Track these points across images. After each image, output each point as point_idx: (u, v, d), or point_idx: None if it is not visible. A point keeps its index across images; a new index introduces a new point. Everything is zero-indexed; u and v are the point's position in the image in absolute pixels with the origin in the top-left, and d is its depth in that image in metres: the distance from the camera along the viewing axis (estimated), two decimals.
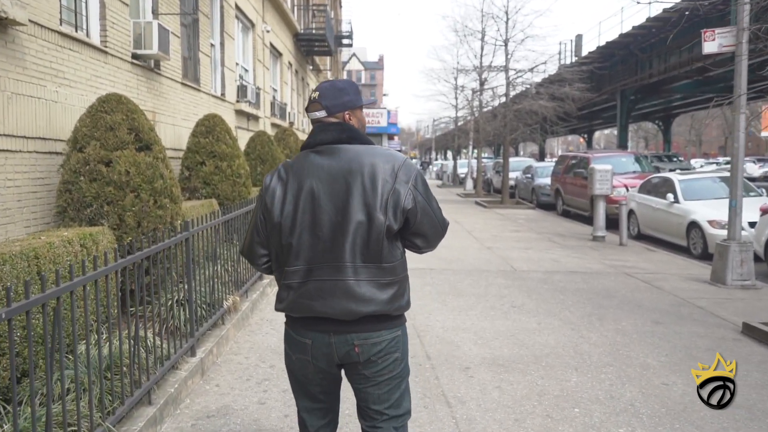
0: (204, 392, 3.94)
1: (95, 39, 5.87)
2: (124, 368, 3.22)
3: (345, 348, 2.00)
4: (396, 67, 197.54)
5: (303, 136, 18.43)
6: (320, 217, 1.96)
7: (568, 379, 4.22)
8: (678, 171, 15.60)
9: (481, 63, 22.16)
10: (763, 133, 46.10)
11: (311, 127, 2.13)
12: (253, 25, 13.36)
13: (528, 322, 5.66)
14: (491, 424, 3.51)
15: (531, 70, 19.94)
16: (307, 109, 2.13)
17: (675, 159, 27.06)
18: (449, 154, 57.66)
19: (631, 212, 12.05)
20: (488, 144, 36.19)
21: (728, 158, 34.48)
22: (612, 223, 11.94)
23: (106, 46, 5.95)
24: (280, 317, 2.87)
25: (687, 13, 19.21)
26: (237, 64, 12.17)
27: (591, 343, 5.07)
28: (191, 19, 9.11)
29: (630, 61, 24.94)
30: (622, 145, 27.53)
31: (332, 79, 2.35)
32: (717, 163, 37.93)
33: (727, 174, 12.04)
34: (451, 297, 6.66)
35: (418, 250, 2.14)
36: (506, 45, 19.63)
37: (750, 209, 8.77)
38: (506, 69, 19.82)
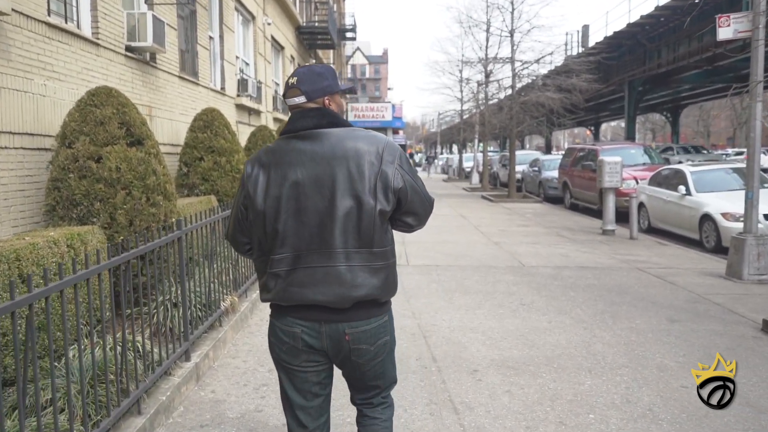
0: (198, 399, 3.75)
1: (86, 31, 5.67)
2: (112, 376, 3.04)
3: (335, 336, 1.99)
4: (400, 61, 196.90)
5: None
6: (305, 203, 1.94)
7: (581, 382, 4.01)
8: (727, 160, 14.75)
9: (486, 55, 21.85)
10: None
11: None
12: (253, 17, 13.13)
13: (538, 321, 5.44)
14: None
15: (537, 61, 19.63)
16: (285, 95, 2.08)
17: (704, 150, 26.46)
18: (455, 148, 57.32)
19: (641, 205, 11.78)
20: (494, 137, 35.88)
21: (737, 149, 34.00)
22: (621, 217, 11.69)
23: (97, 38, 5.75)
24: None
25: (698, 0, 18.87)
26: (237, 57, 11.95)
27: (604, 342, 4.85)
28: (188, 10, 8.89)
29: (638, 51, 24.55)
30: (630, 137, 27.16)
31: (308, 64, 2.31)
32: (726, 155, 37.44)
33: (740, 165, 11.81)
34: (458, 294, 6.45)
35: (410, 228, 2.13)
36: (512, 36, 19.32)
37: (765, 201, 8.49)
38: (512, 60, 19.51)
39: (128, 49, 6.46)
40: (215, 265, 5.22)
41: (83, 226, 4.00)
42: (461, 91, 27.99)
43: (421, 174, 35.69)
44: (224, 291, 5.02)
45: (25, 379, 2.29)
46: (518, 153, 22.69)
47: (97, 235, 4.05)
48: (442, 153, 64.92)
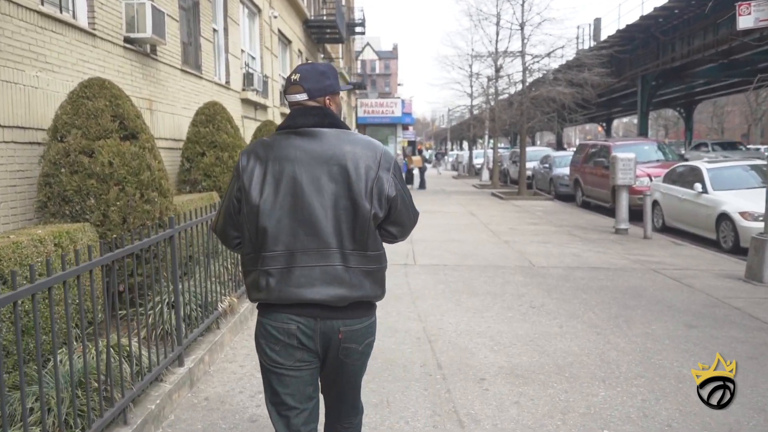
0: (191, 407, 3.56)
1: (82, 21, 5.49)
2: (97, 384, 2.86)
3: (329, 333, 1.99)
4: (411, 56, 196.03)
5: None
6: (302, 201, 1.93)
7: (595, 394, 3.79)
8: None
9: (496, 49, 21.51)
10: None
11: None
12: (259, 10, 12.92)
13: (549, 325, 5.22)
14: None
15: (548, 54, 19.26)
16: (286, 91, 2.07)
17: (741, 147, 25.76)
18: (465, 144, 56.94)
19: (655, 203, 11.49)
20: (504, 133, 35.49)
21: (757, 146, 33.26)
22: (634, 215, 11.40)
23: (94, 29, 5.56)
24: None
25: None
26: (243, 51, 11.75)
27: (619, 349, 4.61)
28: (191, 1, 8.70)
29: (651, 44, 24.09)
30: (643, 132, 26.71)
31: (311, 62, 2.36)
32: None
33: (759, 162, 11.46)
34: (466, 296, 6.23)
35: (392, 239, 2.12)
36: (522, 29, 18.99)
37: None
38: (522, 54, 19.18)
39: (127, 40, 6.27)
40: (215, 264, 5.05)
41: (73, 224, 3.83)
42: (471, 86, 27.66)
43: (431, 171, 35.40)
44: (223, 291, 4.84)
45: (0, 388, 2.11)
46: (529, 149, 22.36)
47: (89, 233, 3.87)
48: (452, 149, 64.49)
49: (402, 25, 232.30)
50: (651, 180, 12.96)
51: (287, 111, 2.10)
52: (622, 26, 23.86)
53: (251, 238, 1.98)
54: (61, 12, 5.14)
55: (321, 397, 2.22)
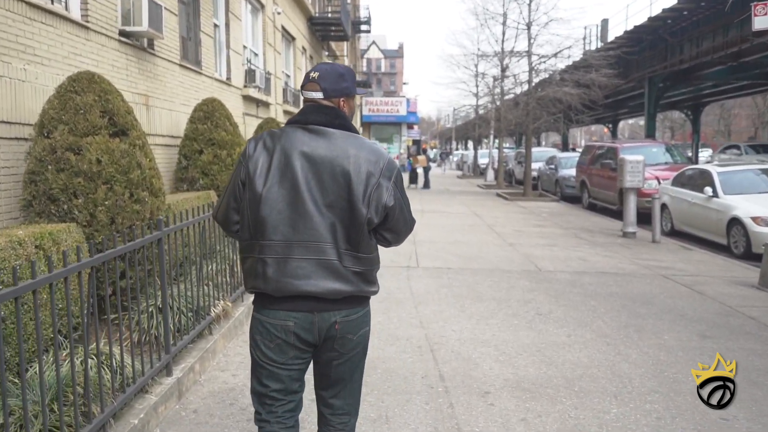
0: (178, 420, 3.36)
1: (75, 13, 5.29)
2: (74, 397, 2.66)
3: (326, 325, 2.03)
4: (416, 55, 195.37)
5: None
6: (304, 195, 1.96)
7: (606, 410, 3.57)
8: None
9: (502, 48, 21.27)
10: None
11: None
12: (262, 6, 12.72)
13: (556, 334, 5.00)
14: None
15: (555, 54, 19.02)
16: (303, 87, 2.11)
17: None
18: (470, 144, 56.67)
19: (663, 207, 11.25)
20: (510, 134, 35.20)
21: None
22: (642, 218, 11.17)
23: (87, 21, 5.37)
24: None
25: None
26: (245, 47, 11.56)
27: (630, 361, 4.39)
28: None
29: (659, 46, 23.76)
30: (650, 134, 26.39)
31: (332, 62, 2.17)
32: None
33: None
34: (470, 302, 6.01)
35: (387, 244, 2.19)
36: (529, 28, 18.76)
37: None
38: (529, 54, 18.94)
39: (122, 33, 6.07)
40: (210, 266, 4.85)
41: (57, 225, 3.63)
42: (476, 86, 27.42)
43: (436, 170, 35.17)
44: (217, 295, 4.64)
45: None
46: (534, 150, 22.09)
47: (74, 234, 3.67)
48: (457, 149, 64.19)
49: (408, 24, 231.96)
50: (659, 183, 12.71)
51: (290, 109, 2.08)
52: (630, 27, 23.56)
53: (250, 225, 2.02)
54: (52, 3, 4.94)
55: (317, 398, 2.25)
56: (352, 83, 2.14)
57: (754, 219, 8.87)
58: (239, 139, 7.35)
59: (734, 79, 25.49)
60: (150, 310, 3.76)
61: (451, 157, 52.42)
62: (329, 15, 20.58)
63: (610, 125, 47.27)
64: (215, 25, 9.75)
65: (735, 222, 9.27)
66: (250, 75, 11.27)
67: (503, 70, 21.38)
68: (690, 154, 27.58)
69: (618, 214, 13.17)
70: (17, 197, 4.33)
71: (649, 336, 4.99)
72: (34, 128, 4.13)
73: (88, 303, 2.71)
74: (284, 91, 14.97)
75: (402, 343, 4.71)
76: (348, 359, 2.13)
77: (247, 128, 11.15)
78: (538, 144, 42.73)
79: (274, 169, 1.98)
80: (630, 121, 66.34)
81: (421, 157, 23.96)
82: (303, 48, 18.19)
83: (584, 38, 25.42)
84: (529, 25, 18.69)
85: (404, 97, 42.11)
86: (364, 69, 47.98)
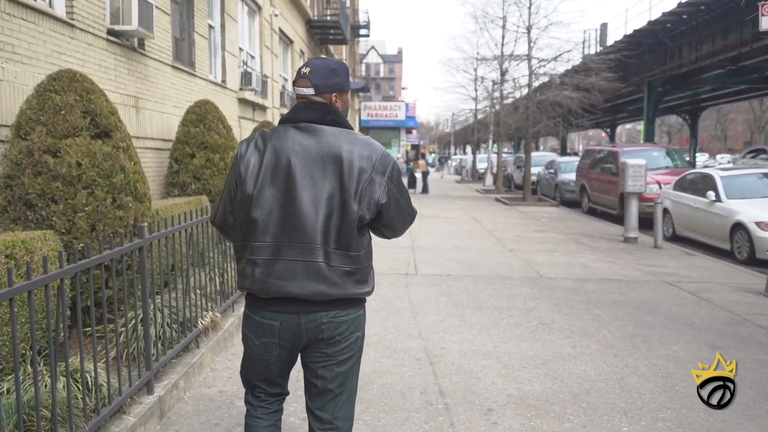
0: None
1: (59, 10, 5.09)
2: (39, 421, 2.44)
3: (313, 326, 2.00)
4: (415, 59, 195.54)
5: None
6: (294, 195, 1.94)
7: (617, 429, 3.36)
8: None
9: (502, 52, 21.11)
10: None
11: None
12: (259, 7, 12.53)
13: (561, 345, 4.79)
14: None
15: (555, 58, 18.86)
16: (295, 83, 2.08)
17: None
18: (468, 148, 56.53)
19: (665, 211, 11.06)
20: (509, 138, 35.06)
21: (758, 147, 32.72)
22: (643, 223, 10.98)
23: (72, 19, 5.16)
24: None
25: None
26: (241, 49, 11.36)
27: (639, 374, 4.18)
28: None
29: (658, 50, 23.65)
30: (649, 139, 26.26)
31: (324, 57, 2.24)
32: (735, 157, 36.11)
33: None
34: (470, 311, 5.80)
35: (385, 237, 2.19)
36: (529, 32, 18.60)
37: None
38: (529, 58, 18.78)
39: (111, 32, 5.87)
40: (199, 276, 4.64)
41: (32, 232, 3.41)
42: (475, 90, 27.27)
43: (434, 175, 34.98)
44: (205, 306, 4.42)
45: None
46: (534, 155, 21.91)
47: (50, 242, 3.45)
48: (455, 153, 64.04)
49: (407, 29, 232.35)
50: (660, 187, 12.53)
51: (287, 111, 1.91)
52: (629, 31, 23.46)
53: (242, 226, 2.01)
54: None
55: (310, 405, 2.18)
56: (345, 78, 2.08)
57: (759, 224, 8.70)
58: (233, 143, 7.14)
59: (733, 83, 25.40)
60: (131, 323, 3.54)
61: (449, 161, 52.27)
62: (328, 18, 20.43)
63: (608, 130, 47.20)
64: (210, 26, 9.55)
65: (738, 227, 9.10)
66: (246, 78, 11.07)
67: (503, 74, 21.22)
68: (688, 158, 27.43)
69: (618, 219, 12.98)
70: None
71: (657, 347, 4.78)
72: (10, 129, 3.92)
73: (55, 319, 2.49)
74: (281, 94, 14.77)
75: (400, 356, 4.49)
76: (336, 365, 2.06)
77: (243, 132, 10.95)
78: (536, 148, 42.57)
79: (265, 169, 1.96)
80: (627, 126, 66.26)
81: (422, 162, 23.82)
82: (301, 51, 18.01)
83: (583, 42, 25.33)
84: (529, 29, 18.54)
85: (403, 101, 41.93)
86: (363, 74, 47.76)
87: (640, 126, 41.73)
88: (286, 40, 16.11)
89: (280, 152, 1.97)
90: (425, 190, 22.36)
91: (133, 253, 3.19)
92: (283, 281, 1.95)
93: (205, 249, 4.83)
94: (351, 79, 2.18)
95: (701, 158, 38.23)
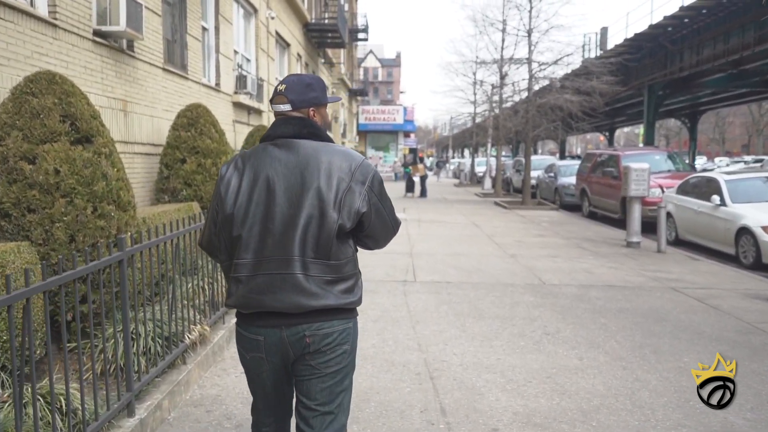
0: None
1: (41, 9, 4.88)
2: None
3: (296, 339, 1.97)
4: (414, 63, 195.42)
5: None
6: (273, 210, 1.95)
7: None
8: None
9: (501, 56, 20.95)
10: None
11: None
12: (255, 10, 12.34)
13: (567, 357, 4.58)
14: None
15: (556, 62, 18.70)
16: (272, 101, 2.10)
17: None
18: (466, 152, 56.42)
19: (668, 215, 10.87)
20: (508, 141, 34.94)
21: (755, 157, 32.63)
22: (646, 227, 10.79)
23: (55, 19, 4.96)
24: None
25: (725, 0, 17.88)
26: (236, 52, 11.16)
27: (650, 389, 3.97)
28: None
29: (659, 53, 23.51)
30: (649, 142, 26.09)
31: (300, 73, 2.09)
32: (744, 162, 36.05)
33: None
34: (471, 320, 5.58)
35: (369, 248, 2.18)
36: (529, 35, 18.44)
37: None
38: (529, 61, 18.62)
39: (97, 33, 5.66)
40: (188, 286, 4.43)
41: (5, 244, 3.20)
42: (474, 94, 27.13)
43: (432, 179, 34.77)
44: (194, 319, 4.20)
45: None
46: (533, 158, 21.73)
47: (25, 255, 3.24)
48: (453, 157, 63.90)
49: (405, 33, 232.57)
50: (663, 191, 12.35)
51: None
52: (630, 35, 23.31)
53: (226, 246, 2.03)
54: None
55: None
56: (322, 92, 2.11)
57: (765, 228, 8.54)
58: (226, 148, 6.94)
59: (733, 86, 25.25)
60: (111, 340, 3.32)
61: (447, 165, 52.11)
62: (326, 21, 20.26)
63: (607, 133, 47.08)
64: (204, 28, 9.35)
65: (744, 231, 8.92)
66: (241, 81, 10.87)
67: (502, 77, 21.05)
68: (688, 161, 27.31)
69: (619, 223, 12.79)
70: None
71: (667, 358, 4.57)
72: None
73: (21, 339, 2.28)
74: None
75: (398, 370, 4.27)
76: (322, 378, 2.01)
77: (237, 136, 10.75)
78: (535, 152, 42.43)
79: (244, 188, 1.98)
80: (625, 129, 66.17)
81: (420, 166, 23.65)
82: (298, 54, 17.83)
83: (583, 46, 25.20)
84: (529, 32, 18.38)
85: (401, 105, 41.78)
86: (361, 77, 47.65)
87: (639, 129, 41.61)
88: (283, 43, 15.93)
89: (258, 170, 1.99)
90: (423, 194, 22.17)
91: (112, 267, 2.97)
92: (262, 295, 1.95)
93: (195, 257, 4.62)
94: (328, 92, 2.21)
95: (699, 161, 38.22)
